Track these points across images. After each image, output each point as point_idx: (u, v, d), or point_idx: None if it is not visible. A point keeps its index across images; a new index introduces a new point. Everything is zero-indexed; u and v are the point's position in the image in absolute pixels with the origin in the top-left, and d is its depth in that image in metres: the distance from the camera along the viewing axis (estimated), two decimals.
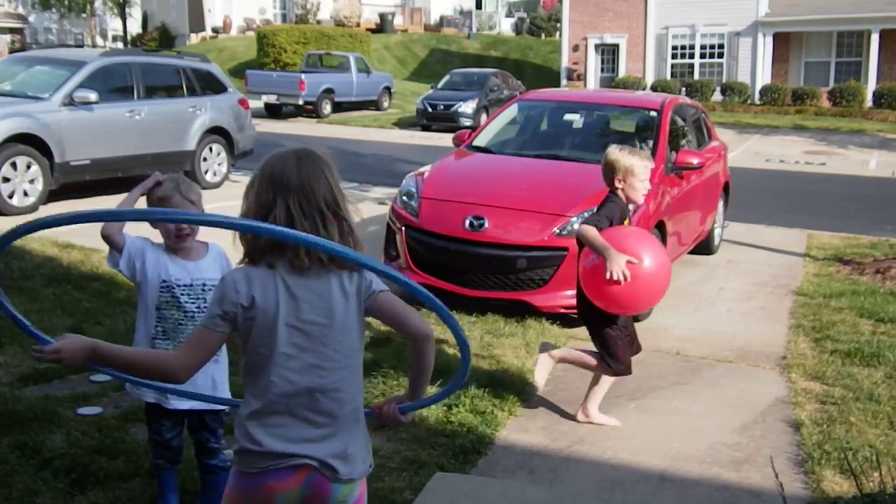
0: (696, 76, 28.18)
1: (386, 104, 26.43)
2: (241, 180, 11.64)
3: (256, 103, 19.86)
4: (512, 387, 4.42)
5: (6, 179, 8.32)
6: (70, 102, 8.92)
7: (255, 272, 1.90)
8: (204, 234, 2.86)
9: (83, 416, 3.77)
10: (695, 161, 6.62)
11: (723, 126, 18.68)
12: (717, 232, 8.23)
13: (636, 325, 5.75)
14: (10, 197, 8.38)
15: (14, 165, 8.36)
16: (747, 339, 5.61)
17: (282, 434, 1.91)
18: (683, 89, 26.15)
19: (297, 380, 1.91)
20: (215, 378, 2.90)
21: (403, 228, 5.94)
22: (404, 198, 6.17)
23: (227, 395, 2.94)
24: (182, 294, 2.85)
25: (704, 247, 7.96)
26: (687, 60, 28.76)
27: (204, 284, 2.85)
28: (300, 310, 1.89)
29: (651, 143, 6.72)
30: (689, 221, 7.10)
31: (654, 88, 26.51)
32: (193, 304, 2.86)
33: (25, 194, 8.52)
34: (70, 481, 3.18)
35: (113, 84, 9.58)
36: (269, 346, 1.89)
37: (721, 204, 8.32)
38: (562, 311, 5.57)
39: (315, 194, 1.90)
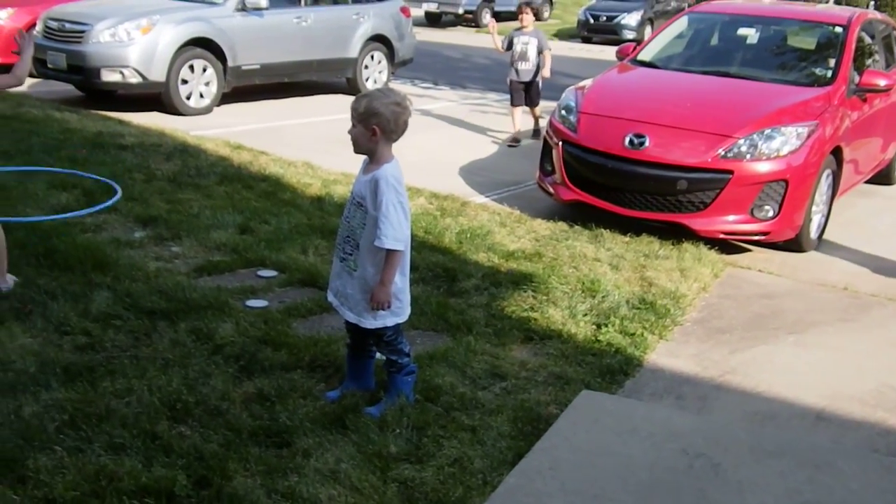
0: None
1: (546, 14, 25.68)
2: (400, 89, 11.77)
3: (417, 11, 19.82)
4: (664, 311, 4.33)
5: (184, 81, 8.84)
6: (243, 8, 9.27)
7: None
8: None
9: (251, 308, 4.01)
10: (882, 83, 6.10)
11: None
12: None
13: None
14: (188, 98, 8.92)
15: (192, 68, 8.86)
16: None
17: None
18: (872, 3, 23.62)
19: None
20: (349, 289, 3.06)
21: (561, 144, 5.84)
22: (563, 112, 6.04)
23: (365, 312, 3.04)
24: (348, 202, 3.09)
25: (884, 176, 7.48)
26: None
27: (353, 198, 3.03)
28: None
29: (833, 62, 6.19)
30: (869, 149, 6.59)
31: (838, 2, 24.13)
32: (347, 213, 3.07)
33: (201, 96, 9.04)
34: (238, 367, 3.42)
35: None
36: None
37: None
38: (721, 236, 5.35)
39: None
